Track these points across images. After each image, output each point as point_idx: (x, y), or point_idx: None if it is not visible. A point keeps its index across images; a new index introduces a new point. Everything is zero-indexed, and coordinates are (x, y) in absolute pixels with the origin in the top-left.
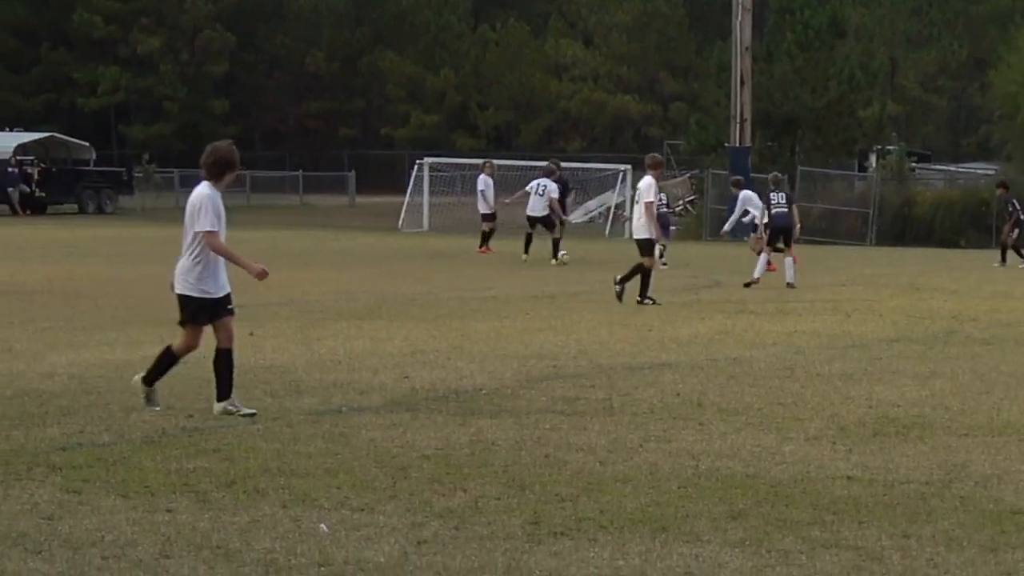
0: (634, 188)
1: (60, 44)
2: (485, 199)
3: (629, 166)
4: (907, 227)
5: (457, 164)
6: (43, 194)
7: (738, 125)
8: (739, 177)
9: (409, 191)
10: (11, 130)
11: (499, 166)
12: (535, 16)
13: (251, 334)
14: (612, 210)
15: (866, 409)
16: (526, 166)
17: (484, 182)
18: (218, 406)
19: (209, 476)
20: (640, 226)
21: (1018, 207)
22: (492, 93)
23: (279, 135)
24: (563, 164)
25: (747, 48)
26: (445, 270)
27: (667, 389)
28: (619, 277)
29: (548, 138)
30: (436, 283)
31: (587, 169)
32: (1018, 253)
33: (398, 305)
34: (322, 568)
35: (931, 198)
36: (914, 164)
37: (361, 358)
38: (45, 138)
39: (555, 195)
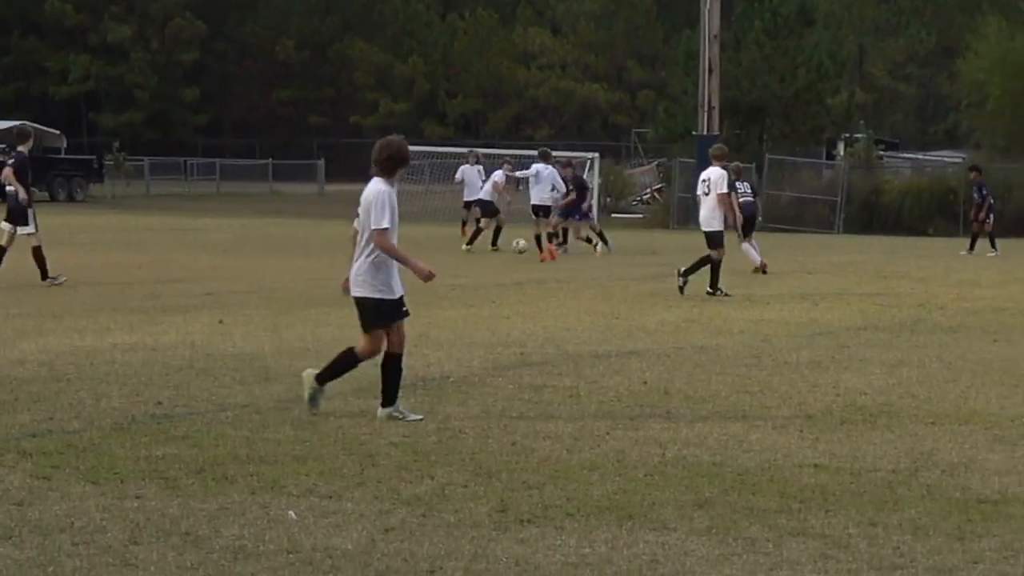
0: (606, 176)
1: (31, 32)
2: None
3: (597, 154)
4: (875, 215)
5: (426, 152)
6: None
7: (706, 113)
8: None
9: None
10: None
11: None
12: (503, 4)
13: (220, 321)
14: None
15: (833, 397)
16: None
17: (463, 172)
18: (383, 412)
19: (178, 463)
20: (711, 218)
21: (987, 192)
22: (461, 81)
23: (249, 123)
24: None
25: (715, 36)
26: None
27: (634, 377)
28: (683, 269)
29: (516, 126)
30: (403, 271)
31: (555, 157)
32: (991, 242)
33: None
34: (290, 555)
35: (899, 186)
36: (882, 152)
37: (329, 345)
38: (15, 126)
39: (499, 179)
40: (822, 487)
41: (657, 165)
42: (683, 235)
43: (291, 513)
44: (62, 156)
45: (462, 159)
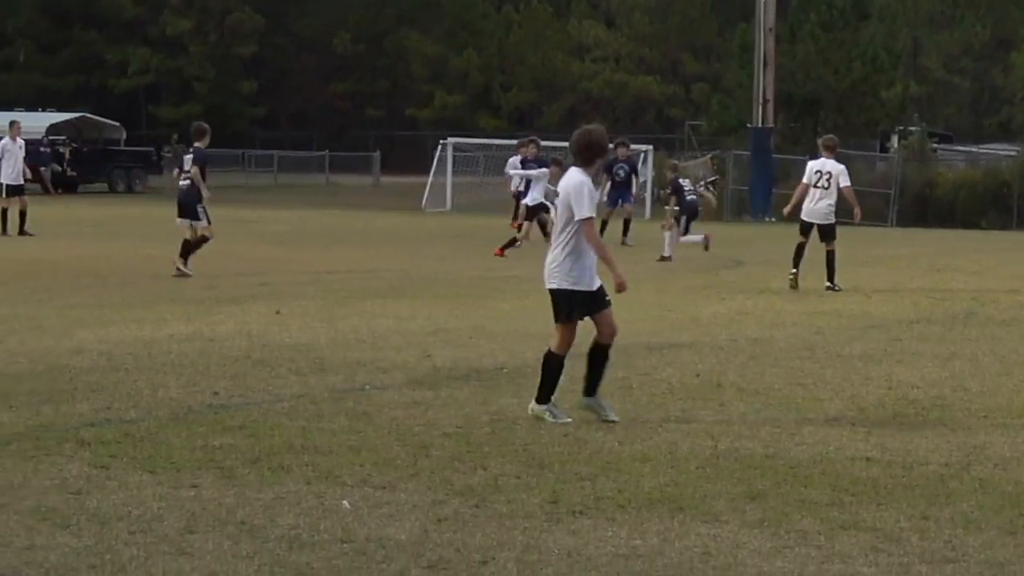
0: (657, 168)
1: (91, 25)
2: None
3: (651, 147)
4: (928, 208)
5: (480, 144)
6: (74, 173)
7: (760, 106)
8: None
9: (432, 171)
10: (43, 110)
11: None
12: None
13: (277, 312)
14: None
15: (886, 390)
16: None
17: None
18: (587, 400)
19: (234, 453)
20: (830, 211)
21: None
22: (515, 74)
23: (306, 115)
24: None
25: (770, 29)
26: (468, 250)
27: (686, 369)
28: (828, 284)
29: (570, 119)
30: (459, 263)
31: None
32: None
33: (421, 284)
34: (344, 544)
35: (952, 179)
36: (936, 145)
37: (384, 337)
38: (76, 118)
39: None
40: (874, 480)
41: (711, 158)
42: (737, 227)
43: (345, 503)
44: (121, 148)
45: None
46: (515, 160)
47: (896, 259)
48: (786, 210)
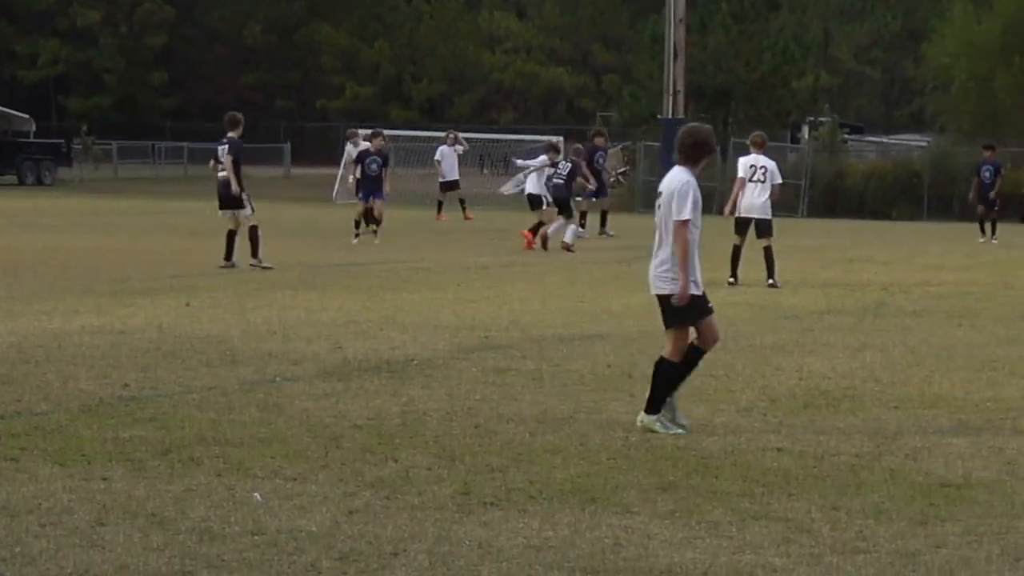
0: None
1: (0, 17)
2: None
3: (562, 138)
4: (839, 199)
5: (391, 136)
6: None
7: (671, 97)
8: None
9: (343, 162)
10: None
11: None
12: None
13: (188, 304)
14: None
15: (797, 381)
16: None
17: (441, 153)
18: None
19: (145, 445)
20: (766, 206)
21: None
22: (426, 65)
23: (216, 107)
24: (495, 137)
25: (681, 20)
26: (379, 241)
27: (598, 360)
28: (769, 281)
29: (481, 110)
30: (370, 254)
31: (520, 141)
32: (992, 226)
33: (332, 276)
34: (255, 536)
35: (863, 170)
36: (847, 136)
37: (295, 328)
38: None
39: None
40: (785, 471)
41: (621, 149)
42: (648, 218)
43: (256, 495)
44: (31, 140)
45: (428, 142)
46: (522, 163)
47: (807, 250)
48: (726, 209)
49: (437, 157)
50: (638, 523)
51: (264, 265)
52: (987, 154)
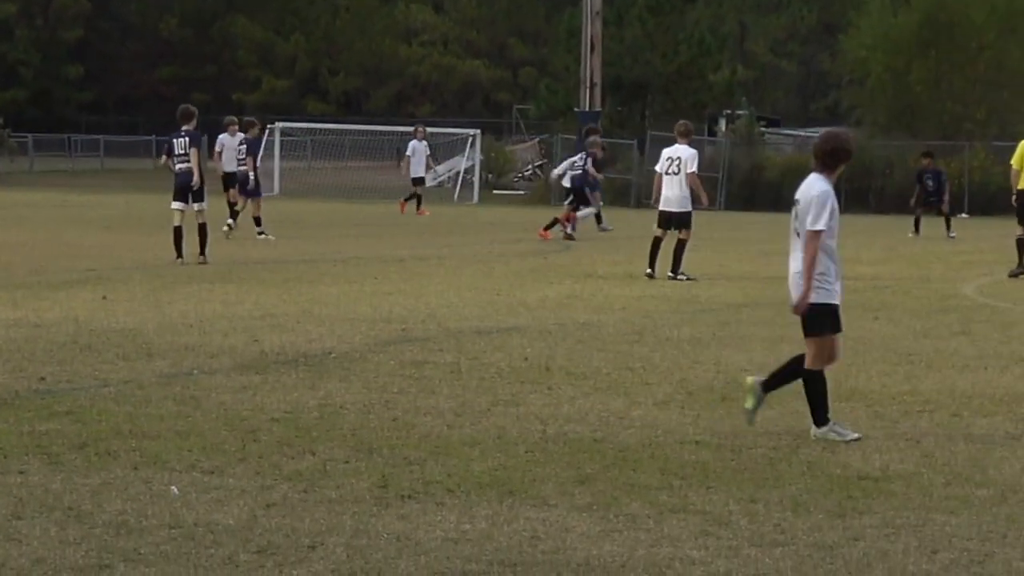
0: (488, 153)
1: None
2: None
3: (478, 131)
4: (756, 192)
5: (308, 128)
6: None
7: (588, 90)
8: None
9: (259, 156)
10: None
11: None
12: None
13: (104, 297)
14: (461, 175)
15: (714, 374)
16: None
17: (412, 148)
18: (817, 431)
19: (61, 438)
20: (684, 198)
21: (945, 179)
22: (342, 58)
23: (132, 101)
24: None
25: (597, 13)
26: (294, 235)
27: (515, 353)
28: (671, 273)
29: (398, 103)
30: (286, 247)
31: (437, 134)
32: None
33: (248, 269)
34: (172, 530)
35: (780, 163)
36: (763, 129)
37: (212, 321)
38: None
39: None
40: (703, 464)
41: (539, 142)
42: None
43: (173, 488)
44: None
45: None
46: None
47: (724, 243)
48: (653, 201)
49: (408, 152)
50: (556, 516)
51: (208, 261)
52: (925, 162)
